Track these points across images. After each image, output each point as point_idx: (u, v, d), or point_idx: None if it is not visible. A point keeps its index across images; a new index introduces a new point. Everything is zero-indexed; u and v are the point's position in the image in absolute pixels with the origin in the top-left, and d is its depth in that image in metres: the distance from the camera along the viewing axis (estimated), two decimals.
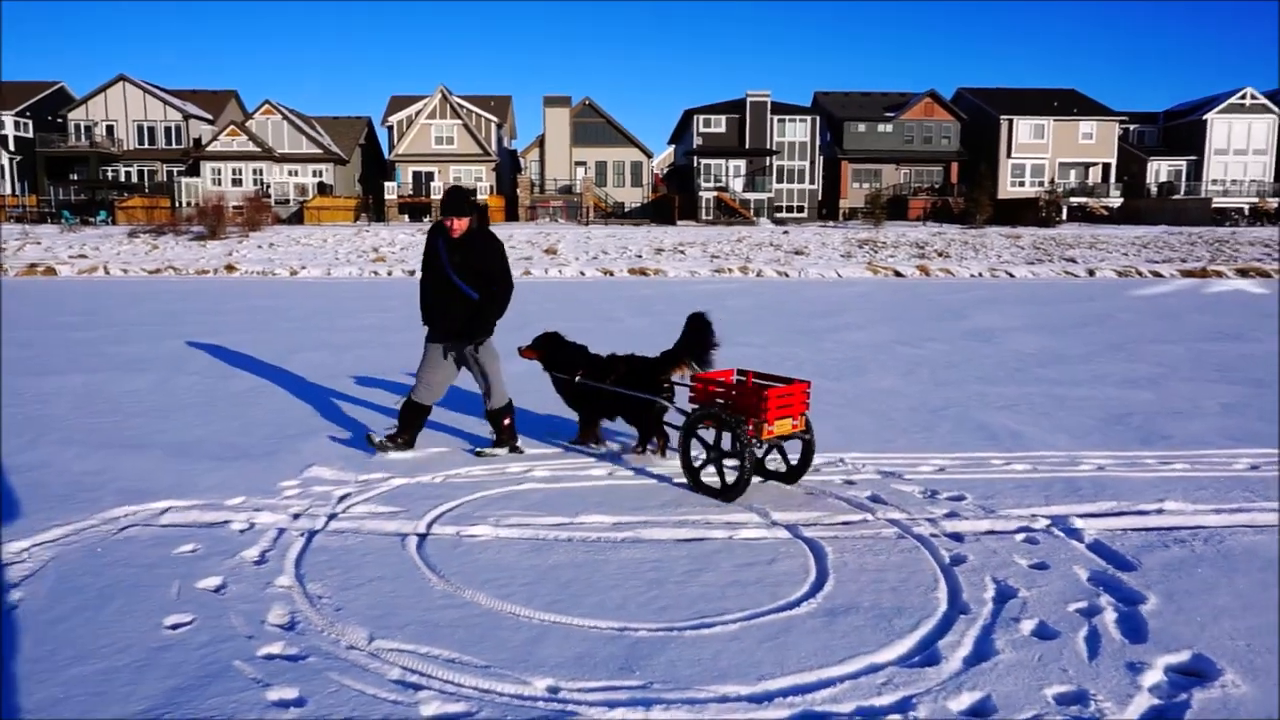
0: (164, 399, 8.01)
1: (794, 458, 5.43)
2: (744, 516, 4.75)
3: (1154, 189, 52.99)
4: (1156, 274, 30.98)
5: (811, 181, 53.91)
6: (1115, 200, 51.39)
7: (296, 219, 46.65)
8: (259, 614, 3.51)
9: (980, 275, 31.11)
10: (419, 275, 6.03)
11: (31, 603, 3.62)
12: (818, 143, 53.71)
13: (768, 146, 52.54)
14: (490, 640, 3.28)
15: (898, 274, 31.52)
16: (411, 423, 5.96)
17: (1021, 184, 52.19)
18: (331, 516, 4.71)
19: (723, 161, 52.45)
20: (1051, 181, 50.26)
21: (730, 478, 5.09)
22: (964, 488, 5.25)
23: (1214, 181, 52.47)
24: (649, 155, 55.91)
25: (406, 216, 49.59)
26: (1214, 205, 47.51)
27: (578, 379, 5.98)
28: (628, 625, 3.42)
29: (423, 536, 4.43)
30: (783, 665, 3.10)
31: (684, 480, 5.36)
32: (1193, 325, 15.19)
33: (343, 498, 5.06)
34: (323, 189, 51.91)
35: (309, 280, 28.24)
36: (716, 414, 5.17)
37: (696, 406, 5.43)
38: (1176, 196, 51.01)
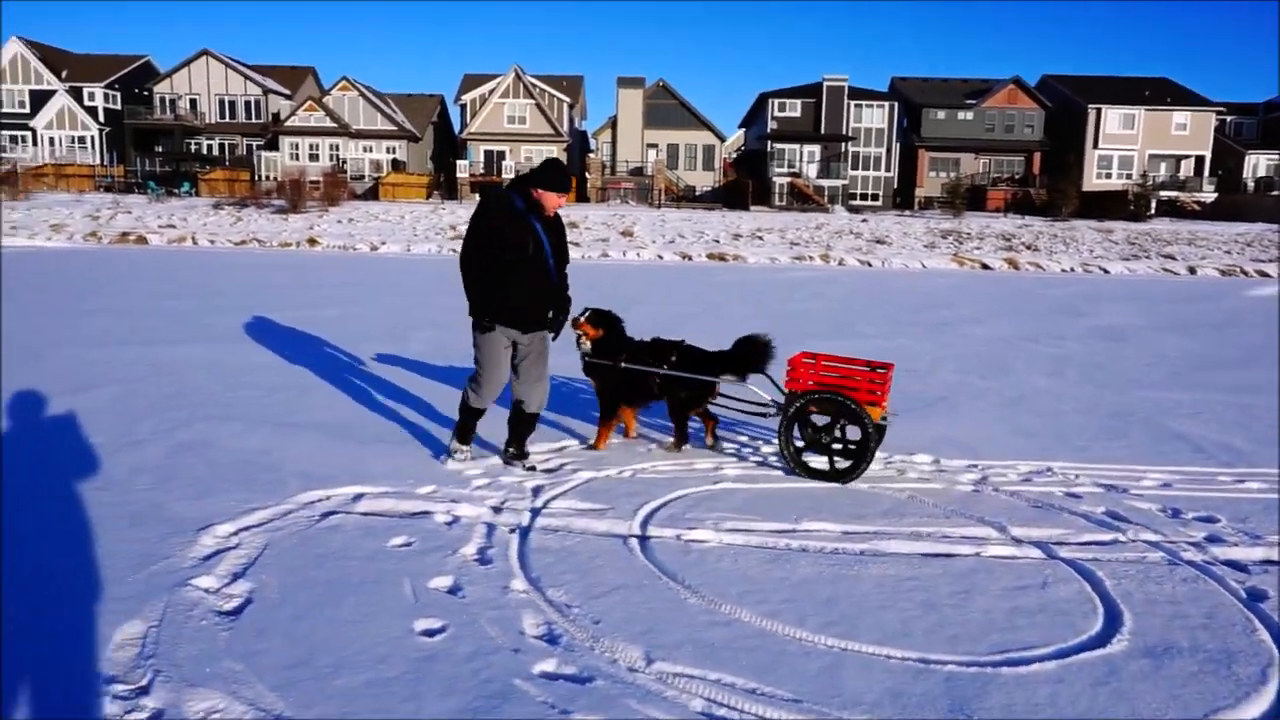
0: (294, 375, 7.85)
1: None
2: (980, 530, 4.34)
3: (1251, 184, 50.49)
4: (1263, 274, 29.43)
5: (887, 169, 52.56)
6: (1209, 195, 49.07)
7: (371, 195, 47.03)
8: (512, 623, 3.22)
9: (1072, 270, 29.92)
10: (470, 254, 4.93)
11: (265, 595, 3.39)
12: (895, 129, 52.34)
13: (844, 132, 51.33)
14: (784, 668, 2.94)
15: (985, 266, 30.49)
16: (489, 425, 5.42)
17: (1108, 176, 50.17)
18: (535, 512, 4.43)
19: (797, 146, 51.42)
20: (1144, 175, 48.12)
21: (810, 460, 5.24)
22: (1207, 507, 4.77)
23: None
24: (721, 139, 55.12)
25: (478, 195, 49.62)
26: None
27: (623, 364, 5.52)
28: (925, 656, 3.06)
29: (643, 539, 4.11)
30: (1138, 716, 2.70)
31: (898, 486, 4.99)
32: None
33: (536, 490, 4.78)
34: (396, 166, 52.25)
35: (390, 256, 28.34)
36: (837, 398, 5.10)
37: (795, 393, 5.27)
38: (1276, 193, 48.54)
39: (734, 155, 63.71)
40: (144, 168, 50.76)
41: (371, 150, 52.72)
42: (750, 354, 5.50)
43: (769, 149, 51.37)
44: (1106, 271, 29.85)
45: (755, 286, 19.90)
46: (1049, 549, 4.12)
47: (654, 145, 53.11)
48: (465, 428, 5.30)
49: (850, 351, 6.21)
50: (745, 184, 47.45)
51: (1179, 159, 50.93)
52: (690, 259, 30.72)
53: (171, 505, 4.36)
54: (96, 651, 2.94)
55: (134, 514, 4.22)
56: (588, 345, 5.66)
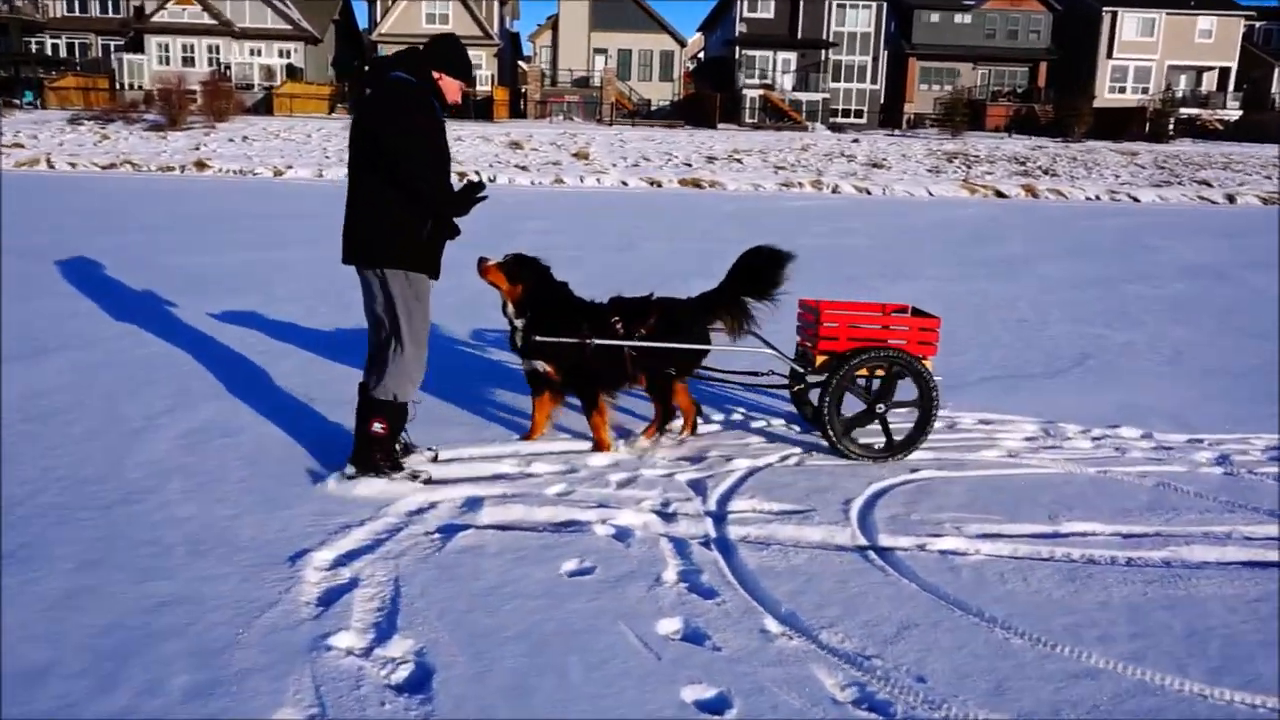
0: (288, 334, 7.16)
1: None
2: (1243, 525, 3.98)
3: None
4: None
5: (874, 81, 52.24)
6: (1233, 112, 50.02)
7: (264, 108, 44.78)
8: (809, 686, 2.71)
9: (1098, 198, 30.17)
10: (438, 173, 4.19)
11: (443, 657, 2.80)
12: (883, 35, 51.89)
13: (824, 38, 50.66)
14: None
15: (999, 194, 30.54)
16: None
17: (1122, 90, 50.65)
18: (718, 519, 3.91)
19: (770, 54, 50.64)
20: (1168, 89, 48.76)
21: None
22: None
23: None
24: (681, 44, 53.90)
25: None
26: None
27: (593, 340, 4.60)
28: None
29: (882, 551, 3.64)
30: None
31: (1133, 470, 4.62)
32: None
33: (695, 486, 4.25)
34: (292, 73, 49.85)
35: (301, 182, 26.99)
36: (897, 355, 4.73)
37: (831, 354, 4.78)
38: None
39: (693, 64, 62.57)
40: None
41: (260, 54, 50.13)
42: (761, 268, 4.82)
43: (737, 56, 50.49)
44: (1137, 200, 30.15)
45: (759, 218, 19.39)
46: None
47: (602, 51, 51.70)
48: (396, 435, 4.32)
49: (920, 299, 5.96)
50: (712, 98, 46.57)
51: (1201, 71, 51.67)
52: (660, 186, 30.02)
53: (234, 524, 3.70)
54: None
55: (190, 537, 3.56)
56: (513, 311, 4.66)
